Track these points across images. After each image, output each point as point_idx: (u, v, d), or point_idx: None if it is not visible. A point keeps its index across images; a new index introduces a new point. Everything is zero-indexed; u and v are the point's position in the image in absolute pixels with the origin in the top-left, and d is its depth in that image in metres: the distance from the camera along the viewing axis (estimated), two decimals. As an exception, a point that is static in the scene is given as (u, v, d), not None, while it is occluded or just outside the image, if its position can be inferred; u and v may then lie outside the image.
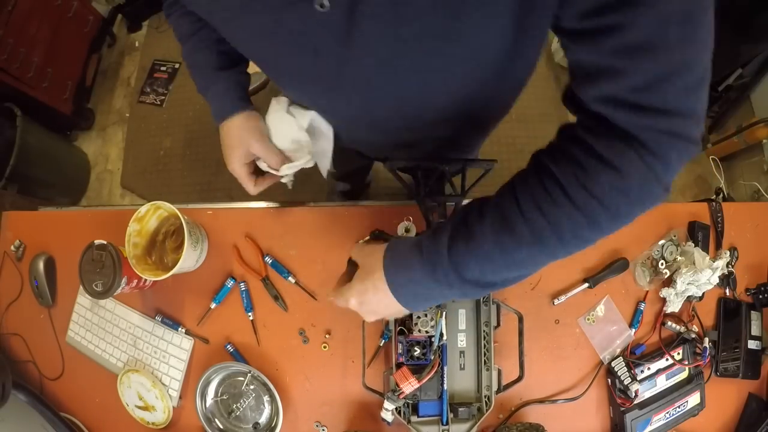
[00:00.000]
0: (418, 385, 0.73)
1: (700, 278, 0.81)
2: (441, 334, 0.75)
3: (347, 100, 0.59)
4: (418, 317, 0.76)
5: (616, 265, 0.86)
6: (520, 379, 0.79)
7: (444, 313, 0.75)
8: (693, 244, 0.85)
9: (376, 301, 0.55)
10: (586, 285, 0.86)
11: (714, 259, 0.83)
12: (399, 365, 0.76)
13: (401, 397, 0.73)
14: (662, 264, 0.85)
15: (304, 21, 0.45)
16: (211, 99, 0.74)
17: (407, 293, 0.53)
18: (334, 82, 0.54)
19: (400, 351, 0.76)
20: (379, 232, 0.85)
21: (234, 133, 0.73)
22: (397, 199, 0.91)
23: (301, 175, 0.80)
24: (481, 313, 0.80)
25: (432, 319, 0.75)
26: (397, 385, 0.73)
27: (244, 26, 0.50)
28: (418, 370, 0.75)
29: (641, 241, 0.88)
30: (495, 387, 0.78)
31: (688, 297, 0.85)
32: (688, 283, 0.82)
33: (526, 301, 0.86)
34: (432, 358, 0.75)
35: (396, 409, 0.76)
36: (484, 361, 0.79)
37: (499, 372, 0.80)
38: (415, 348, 0.76)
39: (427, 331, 0.75)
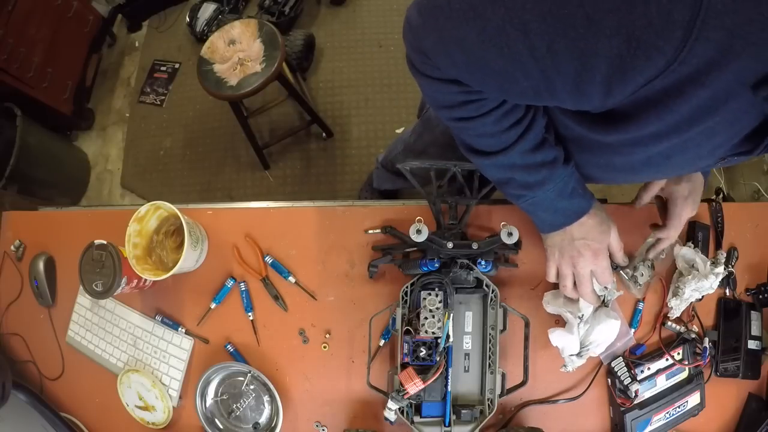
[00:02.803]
0: (423, 386, 0.73)
1: (704, 285, 0.81)
2: (447, 336, 0.75)
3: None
4: (425, 318, 0.76)
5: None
6: (524, 383, 0.79)
7: (451, 314, 0.75)
8: (692, 245, 0.85)
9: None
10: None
11: (714, 263, 0.83)
12: (404, 365, 0.76)
13: (406, 397, 0.73)
14: (641, 275, 0.85)
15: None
16: (555, 195, 0.66)
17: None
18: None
19: (405, 351, 0.76)
20: (391, 229, 0.86)
21: (602, 228, 0.69)
22: (408, 198, 0.91)
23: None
24: (487, 316, 0.80)
25: (439, 321, 0.75)
26: (402, 385, 0.73)
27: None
28: (422, 370, 0.75)
29: (641, 241, 0.88)
30: (498, 390, 0.78)
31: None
32: (692, 290, 0.82)
33: (526, 301, 0.86)
34: (438, 359, 0.75)
35: (399, 409, 0.76)
36: (489, 364, 0.79)
37: (503, 375, 0.80)
38: (421, 348, 0.76)
39: (433, 332, 0.75)
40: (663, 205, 0.80)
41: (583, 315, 0.76)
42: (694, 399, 0.85)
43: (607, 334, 0.77)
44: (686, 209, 0.76)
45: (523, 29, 0.41)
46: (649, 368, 0.84)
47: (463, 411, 0.77)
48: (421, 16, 0.52)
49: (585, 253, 0.69)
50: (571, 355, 0.78)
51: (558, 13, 0.38)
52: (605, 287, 0.77)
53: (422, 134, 1.08)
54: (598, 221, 0.69)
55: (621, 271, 0.85)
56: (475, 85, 0.54)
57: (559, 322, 0.85)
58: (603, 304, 0.79)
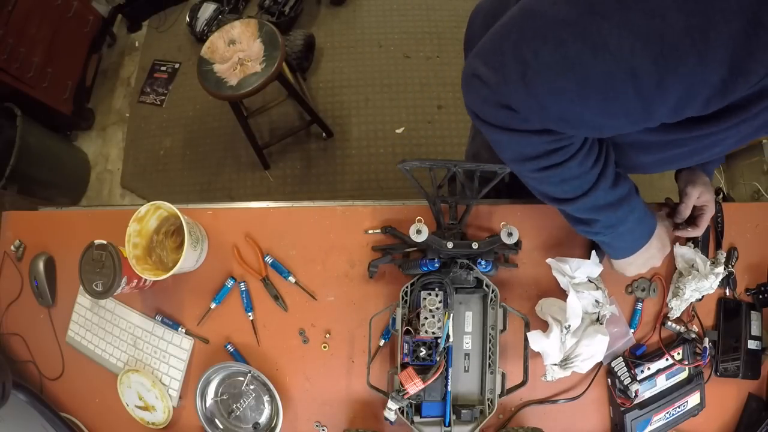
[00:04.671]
0: (423, 386, 0.73)
1: (704, 285, 0.81)
2: (447, 336, 0.75)
3: None
4: (425, 318, 0.76)
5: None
6: (524, 383, 0.79)
7: (451, 314, 0.75)
8: (692, 245, 0.85)
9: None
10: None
11: (714, 263, 0.83)
12: (404, 365, 0.76)
13: (406, 397, 0.73)
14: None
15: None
16: (634, 224, 0.69)
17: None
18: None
19: (405, 351, 0.76)
20: (391, 229, 0.86)
21: (665, 229, 0.77)
22: (408, 198, 0.91)
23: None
24: (487, 316, 0.80)
25: (439, 321, 0.75)
26: (402, 385, 0.73)
27: None
28: (422, 370, 0.75)
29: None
30: (498, 390, 0.78)
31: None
32: (692, 290, 0.82)
33: (526, 301, 0.86)
34: (438, 359, 0.75)
35: (399, 409, 0.76)
36: (489, 364, 0.79)
37: (503, 375, 0.80)
38: (421, 348, 0.76)
39: (433, 332, 0.75)
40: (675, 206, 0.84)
41: (569, 325, 0.76)
42: (694, 399, 0.85)
43: (594, 349, 0.77)
44: (713, 209, 0.81)
45: (632, 74, 0.43)
46: (649, 368, 0.84)
47: (463, 411, 0.77)
48: (498, 71, 0.50)
49: (660, 255, 0.77)
50: (554, 364, 0.78)
51: (670, 55, 0.40)
52: (598, 302, 0.78)
53: (475, 137, 1.07)
54: (662, 227, 0.75)
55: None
56: (569, 131, 0.54)
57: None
58: (597, 320, 0.80)
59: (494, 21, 0.57)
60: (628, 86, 0.44)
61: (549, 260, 0.81)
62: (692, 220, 0.82)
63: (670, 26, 0.39)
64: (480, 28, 0.79)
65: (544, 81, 0.47)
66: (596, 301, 0.79)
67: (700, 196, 0.79)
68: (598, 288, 0.80)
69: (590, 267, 0.79)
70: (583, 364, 0.78)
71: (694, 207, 0.81)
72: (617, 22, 0.41)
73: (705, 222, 0.81)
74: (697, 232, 0.82)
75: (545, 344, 0.76)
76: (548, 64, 0.46)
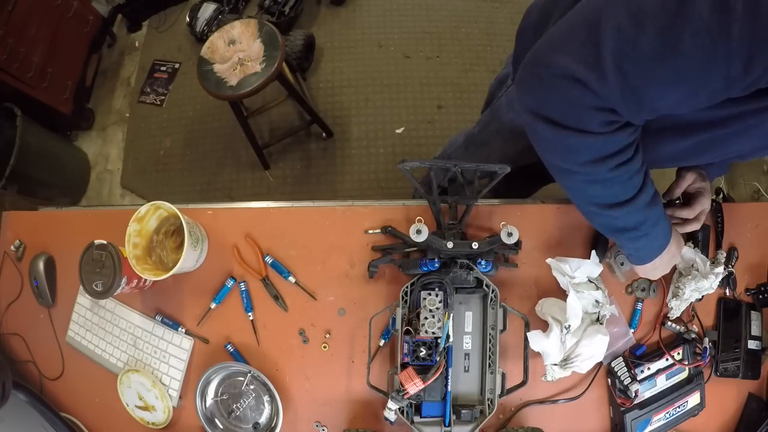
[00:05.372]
0: (423, 386, 0.73)
1: (704, 285, 0.81)
2: (447, 336, 0.75)
3: None
4: (425, 318, 0.76)
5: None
6: (524, 383, 0.79)
7: (451, 314, 0.75)
8: (692, 245, 0.85)
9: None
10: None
11: (714, 263, 0.83)
12: (404, 365, 0.76)
13: (406, 397, 0.73)
14: None
15: None
16: (664, 219, 0.69)
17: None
18: None
19: (405, 351, 0.76)
20: (391, 229, 0.86)
21: (679, 235, 0.77)
22: (408, 198, 0.91)
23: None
24: (487, 316, 0.80)
25: (439, 321, 0.75)
26: (402, 385, 0.73)
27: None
28: (422, 370, 0.75)
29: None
30: (498, 390, 0.78)
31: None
32: (692, 290, 0.82)
33: (526, 301, 0.86)
34: (438, 359, 0.75)
35: (399, 409, 0.76)
36: (489, 364, 0.79)
37: (503, 375, 0.80)
38: (421, 348, 0.76)
39: (433, 333, 0.75)
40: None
41: (569, 325, 0.76)
42: (694, 399, 0.85)
43: (594, 349, 0.77)
44: (707, 203, 0.80)
45: (727, 56, 0.43)
46: (649, 368, 0.84)
47: (463, 411, 0.77)
48: (595, 68, 0.48)
49: (679, 252, 0.77)
50: (554, 364, 0.78)
51: (763, 34, 0.42)
52: (598, 302, 0.78)
53: (489, 124, 1.06)
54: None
55: (609, 259, 0.86)
56: (653, 116, 0.53)
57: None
58: (597, 321, 0.80)
59: (554, 11, 0.58)
60: (723, 69, 0.44)
61: (549, 260, 0.81)
62: (687, 203, 0.81)
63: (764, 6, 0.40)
64: (538, 18, 0.77)
65: (643, 71, 0.47)
66: (596, 301, 0.79)
67: (694, 182, 0.78)
68: (598, 288, 0.80)
69: (590, 267, 0.79)
70: (583, 364, 0.78)
71: (691, 195, 0.80)
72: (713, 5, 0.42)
73: (699, 205, 0.79)
74: (689, 214, 0.80)
75: (545, 344, 0.76)
76: (647, 52, 0.45)
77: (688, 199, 0.80)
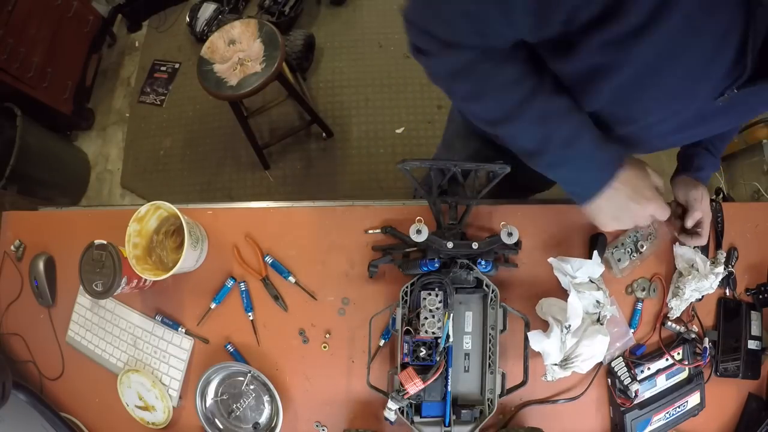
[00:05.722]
0: (423, 386, 0.73)
1: (704, 285, 0.81)
2: (447, 336, 0.75)
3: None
4: (425, 318, 0.76)
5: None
6: (524, 383, 0.79)
7: (451, 314, 0.75)
8: (692, 246, 0.85)
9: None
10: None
11: (714, 263, 0.83)
12: (404, 365, 0.76)
13: (406, 397, 0.73)
14: (642, 246, 0.86)
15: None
16: (591, 147, 0.63)
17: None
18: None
19: (405, 351, 0.76)
20: (391, 229, 0.86)
21: (641, 183, 0.67)
22: (408, 198, 0.91)
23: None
24: (487, 316, 0.80)
25: (439, 321, 0.75)
26: (402, 385, 0.73)
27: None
28: (422, 370, 0.75)
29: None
30: (498, 390, 0.78)
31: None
32: (692, 290, 0.82)
33: (526, 301, 0.86)
34: (438, 359, 0.75)
35: (399, 409, 0.76)
36: (489, 364, 0.79)
37: (503, 375, 0.80)
38: (421, 348, 0.76)
39: (433, 332, 0.75)
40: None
41: (570, 325, 0.76)
42: (694, 399, 0.85)
43: (594, 349, 0.77)
44: (705, 209, 0.80)
45: None
46: (649, 368, 0.84)
47: (463, 411, 0.77)
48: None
49: (634, 203, 0.66)
50: (554, 364, 0.78)
51: None
52: (599, 303, 0.78)
53: (448, 126, 1.10)
54: (638, 175, 0.66)
55: (606, 255, 0.86)
56: (474, 39, 0.57)
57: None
58: (598, 321, 0.80)
59: None
60: None
61: (551, 259, 0.81)
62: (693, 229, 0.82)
63: None
64: None
65: None
66: (597, 301, 0.79)
67: (685, 193, 0.79)
68: (599, 288, 0.80)
69: (592, 267, 0.79)
70: (584, 364, 0.78)
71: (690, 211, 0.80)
72: None
73: (706, 229, 0.81)
74: (701, 241, 0.81)
75: (546, 344, 0.76)
76: None
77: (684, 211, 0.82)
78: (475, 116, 0.68)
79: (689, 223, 0.81)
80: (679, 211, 0.83)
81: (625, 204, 0.66)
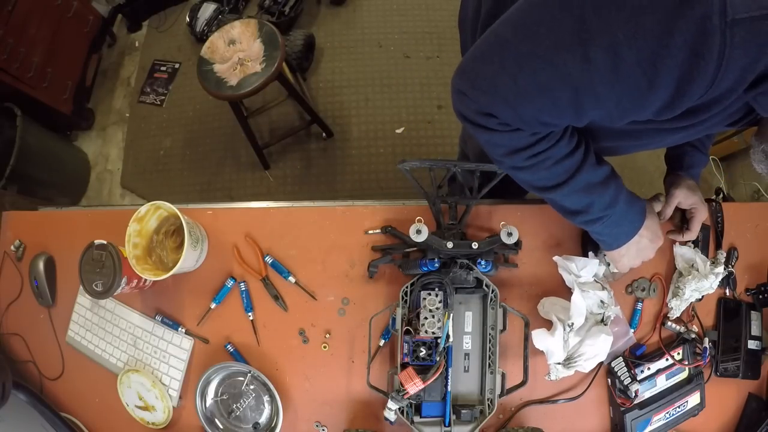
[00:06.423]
0: (422, 386, 0.73)
1: (704, 285, 0.81)
2: (447, 336, 0.75)
3: None
4: (425, 318, 0.76)
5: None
6: (523, 383, 0.79)
7: (451, 314, 0.75)
8: (692, 245, 0.85)
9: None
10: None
11: (714, 263, 0.83)
12: (404, 365, 0.76)
13: (405, 397, 0.73)
14: None
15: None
16: (626, 205, 0.70)
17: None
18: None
19: (405, 351, 0.76)
20: (391, 229, 0.86)
21: (656, 225, 0.77)
22: (408, 198, 0.91)
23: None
24: (487, 316, 0.80)
25: (439, 321, 0.75)
26: (402, 385, 0.73)
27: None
28: (422, 370, 0.75)
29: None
30: (498, 390, 0.78)
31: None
32: (692, 290, 0.82)
33: (526, 301, 0.86)
34: (437, 359, 0.75)
35: (399, 409, 0.76)
36: (489, 364, 0.79)
37: (503, 375, 0.80)
38: (421, 348, 0.76)
39: (433, 333, 0.75)
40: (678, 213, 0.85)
41: (573, 324, 0.76)
42: (694, 399, 0.85)
43: (597, 348, 0.77)
44: (705, 214, 0.83)
45: (575, 90, 0.51)
46: (649, 368, 0.84)
47: (463, 411, 0.77)
48: (487, 93, 0.57)
49: (653, 245, 0.76)
50: (557, 363, 0.78)
51: (624, 81, 0.48)
52: (603, 303, 0.78)
53: (463, 129, 1.13)
54: (652, 219, 0.76)
55: (599, 256, 0.85)
56: (544, 129, 0.61)
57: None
58: (602, 321, 0.80)
59: (481, 6, 0.67)
60: (571, 99, 0.53)
61: (556, 258, 0.81)
62: (685, 224, 0.83)
63: (622, 60, 0.46)
64: (473, 13, 0.80)
65: (525, 101, 0.55)
66: (601, 301, 0.79)
67: (686, 198, 0.80)
68: (603, 288, 0.80)
69: (596, 266, 0.79)
70: (587, 364, 0.78)
71: (685, 211, 0.82)
72: (580, 57, 0.48)
73: (697, 224, 0.82)
74: (690, 236, 0.83)
75: (549, 343, 0.76)
76: (525, 87, 0.54)
77: (684, 215, 0.83)
78: (522, 182, 0.70)
79: (693, 236, 0.83)
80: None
81: (645, 246, 0.75)
